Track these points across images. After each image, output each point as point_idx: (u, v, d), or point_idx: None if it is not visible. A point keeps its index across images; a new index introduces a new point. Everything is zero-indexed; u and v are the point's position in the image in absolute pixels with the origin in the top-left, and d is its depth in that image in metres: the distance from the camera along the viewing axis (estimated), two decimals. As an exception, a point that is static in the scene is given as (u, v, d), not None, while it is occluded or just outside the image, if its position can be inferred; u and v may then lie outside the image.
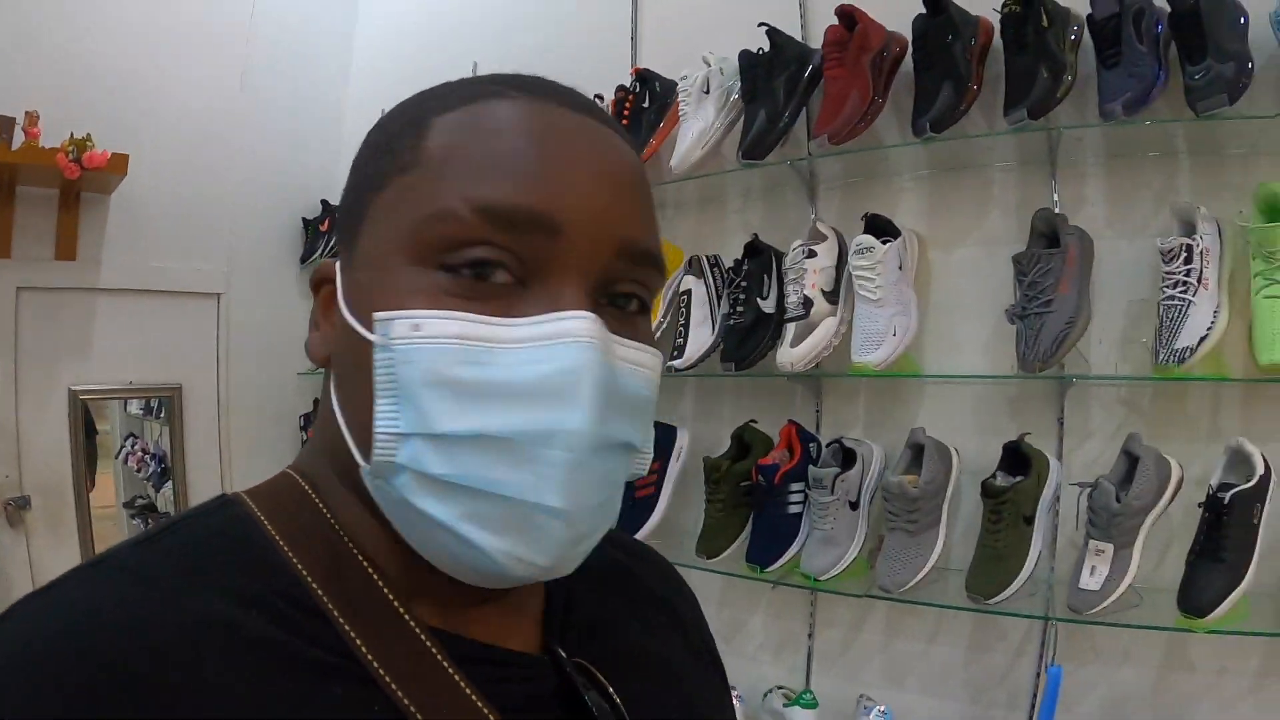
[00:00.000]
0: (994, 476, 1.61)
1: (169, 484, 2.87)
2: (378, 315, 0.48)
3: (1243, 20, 1.56)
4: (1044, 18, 1.62)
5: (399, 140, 0.53)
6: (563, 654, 0.57)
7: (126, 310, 2.69)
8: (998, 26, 1.68)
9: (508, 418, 0.46)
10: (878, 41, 1.73)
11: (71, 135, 2.32)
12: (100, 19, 2.58)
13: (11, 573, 2.42)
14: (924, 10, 1.71)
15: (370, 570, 0.53)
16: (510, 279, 0.49)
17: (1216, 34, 1.53)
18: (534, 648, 0.58)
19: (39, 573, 2.46)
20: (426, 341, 0.47)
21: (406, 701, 0.48)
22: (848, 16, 1.73)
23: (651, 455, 0.55)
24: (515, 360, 0.47)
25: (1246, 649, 1.64)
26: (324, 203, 3.02)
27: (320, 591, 0.51)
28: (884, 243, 1.64)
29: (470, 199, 0.48)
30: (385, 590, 0.52)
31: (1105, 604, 1.49)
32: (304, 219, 3.09)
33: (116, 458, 2.82)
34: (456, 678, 0.50)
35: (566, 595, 0.62)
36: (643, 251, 0.52)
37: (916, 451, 1.64)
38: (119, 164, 2.40)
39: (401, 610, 0.52)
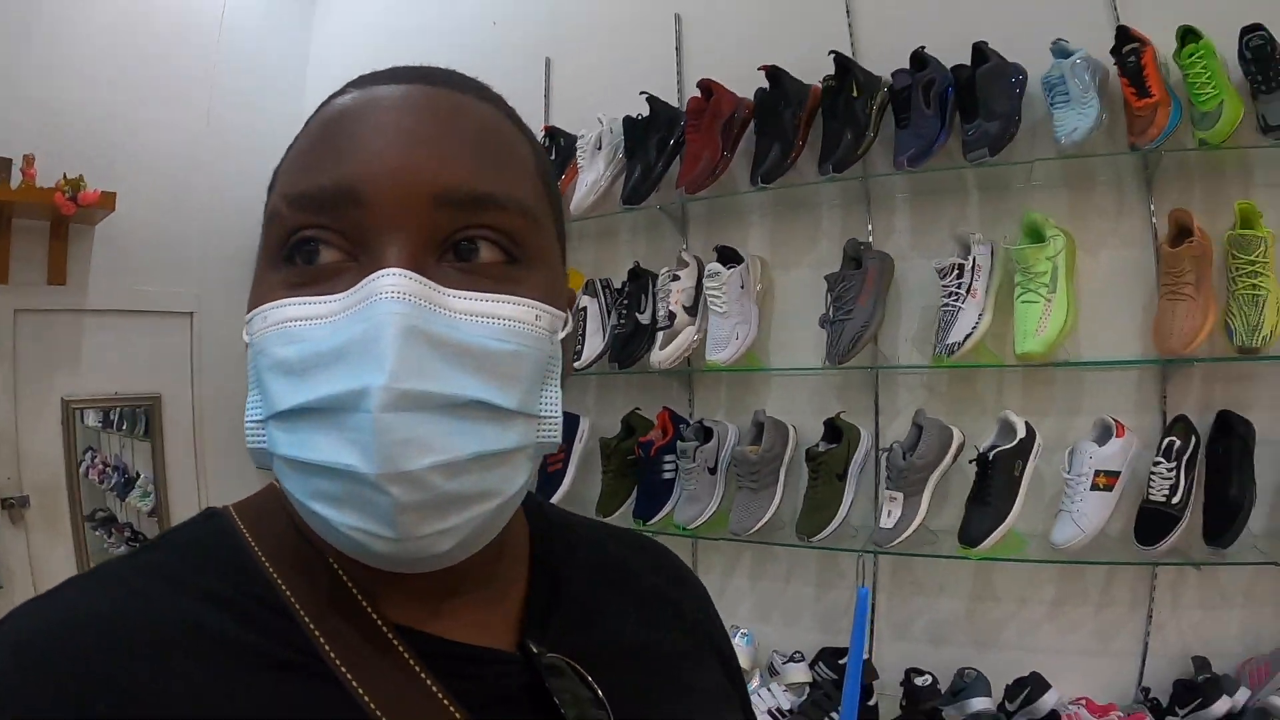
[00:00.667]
0: (817, 445, 2.07)
1: (133, 494, 2.95)
2: (246, 319, 0.52)
3: (1016, 85, 2.00)
4: (855, 89, 2.07)
5: (274, 170, 0.56)
6: (534, 649, 0.56)
7: (111, 328, 2.90)
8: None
9: (321, 386, 0.46)
10: (728, 109, 2.18)
11: (65, 175, 2.58)
12: (82, 69, 2.78)
13: (13, 565, 2.61)
14: (767, 83, 2.16)
15: (339, 570, 0.54)
16: (340, 256, 0.50)
17: (988, 97, 1.98)
18: (510, 644, 0.57)
19: (38, 565, 2.66)
20: (269, 330, 0.49)
21: (367, 698, 0.49)
22: (706, 89, 2.19)
23: (553, 417, 0.53)
24: (330, 330, 0.47)
25: (1042, 581, 2.10)
26: (283, 229, 3.33)
27: (289, 592, 0.52)
28: (729, 268, 2.10)
29: (286, 195, 0.51)
30: (353, 589, 0.53)
31: (899, 539, 1.95)
32: (265, 243, 3.39)
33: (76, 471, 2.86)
34: (422, 674, 0.51)
35: (552, 589, 0.62)
36: (470, 195, 0.50)
37: (759, 428, 2.10)
38: (108, 201, 2.65)
39: (368, 608, 0.53)
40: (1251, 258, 1.84)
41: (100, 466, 2.96)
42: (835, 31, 2.29)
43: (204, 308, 3.18)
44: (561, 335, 0.55)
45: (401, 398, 0.45)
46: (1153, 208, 2.03)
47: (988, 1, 2.20)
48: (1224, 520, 1.87)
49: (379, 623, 0.52)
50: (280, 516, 0.56)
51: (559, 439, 0.53)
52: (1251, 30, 1.89)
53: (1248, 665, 1.97)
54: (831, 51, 2.10)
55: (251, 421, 0.50)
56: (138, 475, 2.99)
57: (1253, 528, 1.92)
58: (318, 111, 0.55)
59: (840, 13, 2.31)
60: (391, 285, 0.46)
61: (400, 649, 0.52)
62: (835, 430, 2.07)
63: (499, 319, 0.50)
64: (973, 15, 2.14)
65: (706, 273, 2.10)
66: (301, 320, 0.48)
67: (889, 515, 1.94)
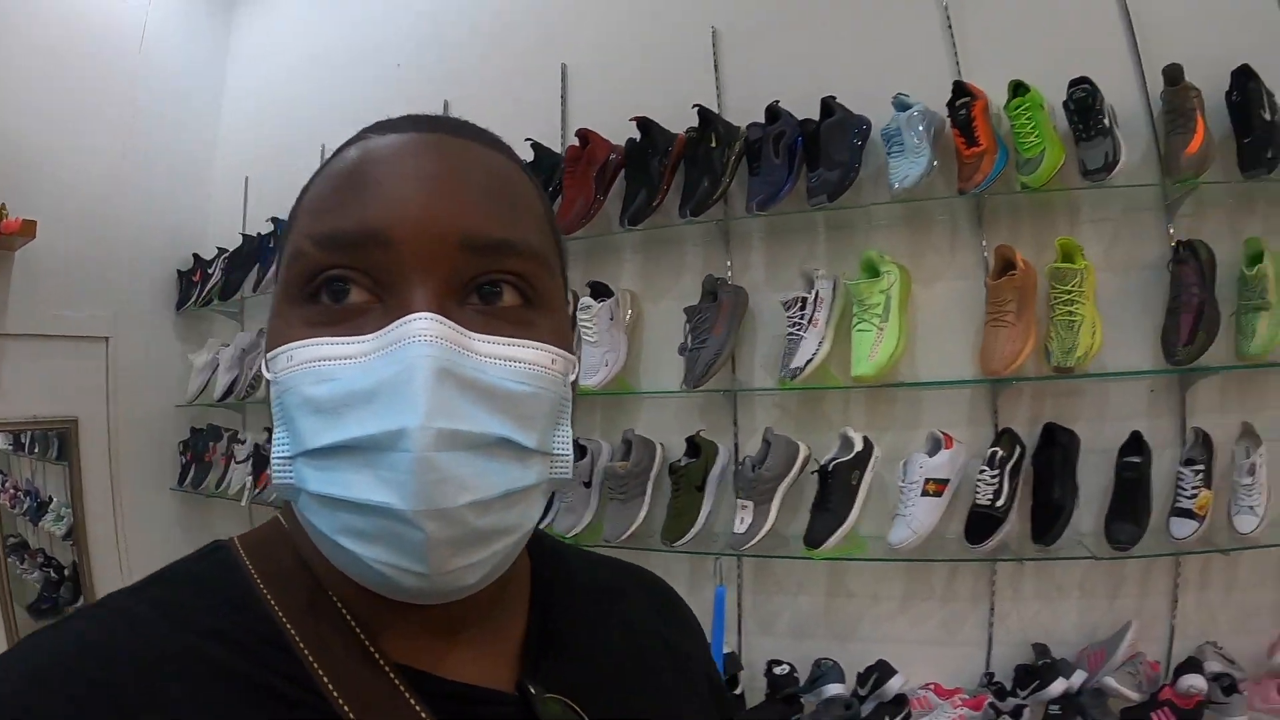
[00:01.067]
0: (679, 460, 2.29)
1: (46, 518, 2.96)
2: (267, 356, 0.53)
3: (858, 136, 2.24)
4: (713, 140, 2.30)
5: (292, 210, 0.57)
6: (532, 690, 0.57)
7: (30, 353, 2.96)
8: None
9: (356, 426, 0.47)
10: (602, 155, 2.40)
11: (-13, 204, 2.63)
12: (5, 99, 2.89)
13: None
14: (637, 133, 2.39)
15: (341, 607, 0.54)
16: (367, 296, 0.51)
17: (830, 149, 2.22)
18: (509, 682, 0.58)
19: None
20: (297, 369, 0.50)
21: None
22: (583, 137, 2.40)
23: (566, 455, 0.55)
24: (361, 371, 0.48)
25: (891, 578, 2.33)
26: (195, 256, 3.43)
27: (291, 628, 0.53)
28: (599, 302, 2.32)
29: (312, 235, 0.52)
30: (355, 627, 0.54)
31: (751, 543, 2.16)
32: (178, 270, 3.49)
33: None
34: (423, 715, 0.52)
35: (550, 626, 0.63)
36: (491, 241, 0.52)
37: (628, 445, 2.32)
38: (29, 229, 2.74)
39: (370, 646, 0.53)
40: (1068, 288, 2.08)
41: (11, 491, 2.98)
42: (703, 85, 2.53)
43: (119, 332, 3.26)
44: (571, 378, 0.57)
45: (437, 437, 0.46)
46: (984, 244, 2.28)
47: (844, 57, 2.45)
48: (1048, 521, 2.11)
49: (381, 663, 0.53)
50: (285, 552, 0.58)
51: (570, 475, 0.56)
52: (1077, 83, 2.13)
53: (1086, 651, 2.19)
54: (695, 105, 2.33)
55: (279, 458, 0.51)
56: (50, 499, 3.03)
57: (1081, 527, 2.17)
58: (337, 154, 0.57)
59: (709, 68, 2.56)
60: (423, 329, 0.48)
61: (402, 689, 0.53)
62: (695, 446, 2.30)
63: (520, 362, 0.52)
64: (829, 70, 2.40)
65: (579, 306, 2.32)
66: (332, 360, 0.49)
67: (741, 522, 2.17)
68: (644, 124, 2.35)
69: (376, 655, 0.53)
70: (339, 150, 0.57)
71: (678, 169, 2.38)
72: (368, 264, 0.50)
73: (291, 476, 0.50)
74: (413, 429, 0.46)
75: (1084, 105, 2.11)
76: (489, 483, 0.49)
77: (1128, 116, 2.25)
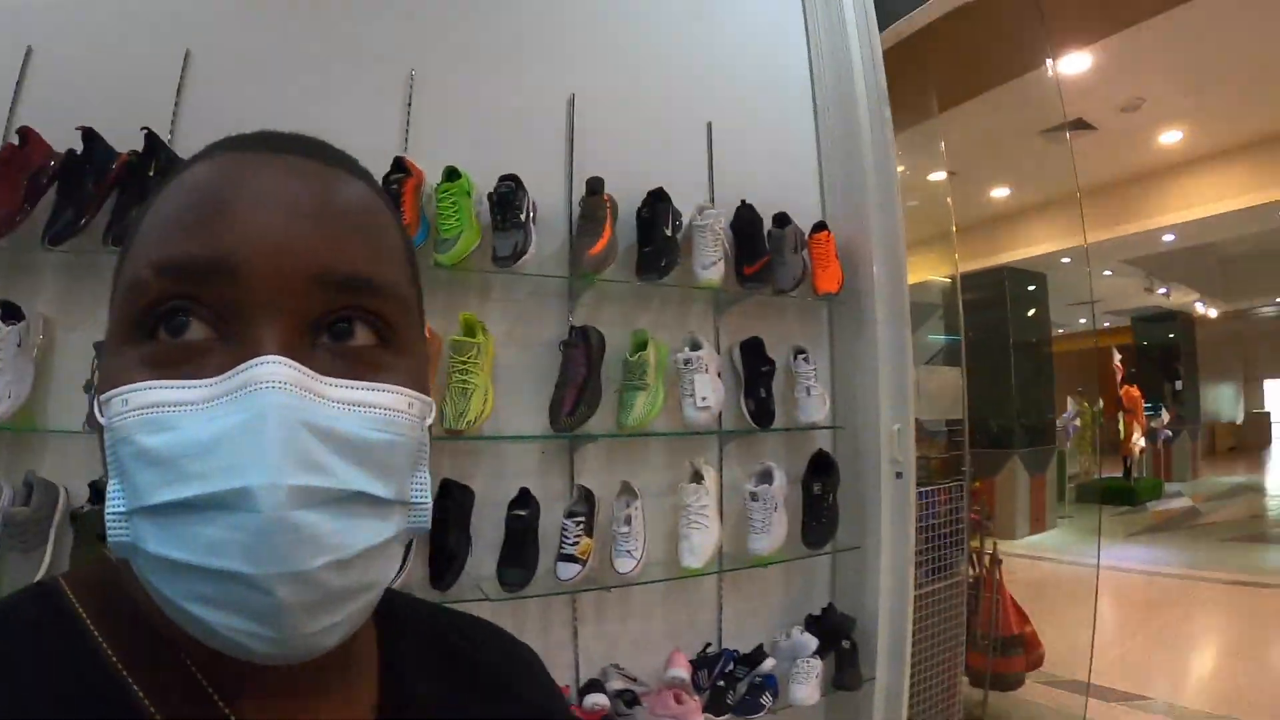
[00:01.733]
0: (82, 506, 2.06)
1: None
2: (101, 398, 0.47)
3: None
4: (154, 169, 2.11)
5: (128, 236, 0.53)
6: None
7: None
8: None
9: (198, 483, 0.43)
10: (38, 161, 2.05)
11: None
12: None
13: None
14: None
15: (190, 663, 0.50)
16: (208, 332, 0.47)
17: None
18: None
19: None
20: (132, 414, 0.45)
21: None
22: (24, 135, 2.04)
23: (424, 504, 0.52)
24: (203, 419, 0.44)
25: (521, 615, 2.50)
26: None
27: (136, 687, 0.48)
28: (9, 325, 2.00)
29: (151, 261, 0.47)
30: (206, 685, 0.50)
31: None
32: None
33: None
34: None
35: (402, 684, 0.60)
36: (347, 277, 0.49)
37: (29, 488, 2.01)
38: None
39: (223, 705, 0.49)
40: (464, 359, 2.30)
41: None
42: (163, 106, 2.35)
43: None
44: (428, 422, 0.54)
45: (289, 494, 0.43)
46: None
47: (305, 114, 2.27)
48: (443, 567, 2.29)
49: None
50: (124, 601, 0.52)
51: (429, 524, 0.54)
52: (504, 179, 2.39)
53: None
54: (144, 127, 2.15)
55: (114, 514, 0.46)
56: None
57: (480, 572, 2.42)
58: (181, 174, 0.52)
59: (173, 90, 2.37)
60: (271, 374, 0.44)
61: None
62: (99, 492, 2.10)
63: (376, 408, 0.49)
64: (293, 123, 2.35)
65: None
66: (171, 406, 0.45)
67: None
68: (89, 135, 2.13)
69: (230, 715, 0.50)
70: (183, 168, 0.52)
71: (112, 191, 2.15)
72: (212, 297, 0.47)
73: (128, 535, 0.45)
74: (262, 486, 0.42)
75: (505, 199, 2.38)
76: (347, 541, 0.46)
77: (552, 216, 2.61)
